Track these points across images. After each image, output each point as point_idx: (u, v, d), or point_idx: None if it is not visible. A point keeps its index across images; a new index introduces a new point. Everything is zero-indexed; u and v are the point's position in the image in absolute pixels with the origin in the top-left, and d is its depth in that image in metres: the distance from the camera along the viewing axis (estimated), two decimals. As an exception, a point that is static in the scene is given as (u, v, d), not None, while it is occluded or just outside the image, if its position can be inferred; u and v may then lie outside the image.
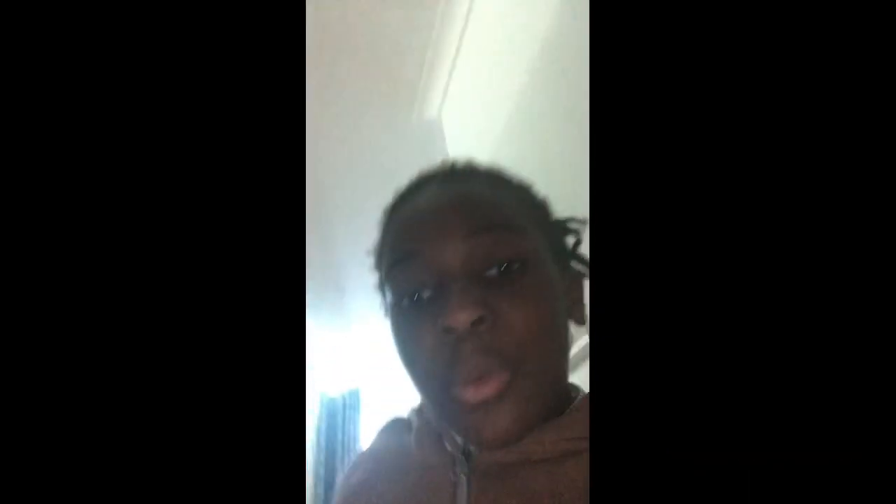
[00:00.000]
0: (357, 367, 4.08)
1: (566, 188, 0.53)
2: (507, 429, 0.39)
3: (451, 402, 0.40)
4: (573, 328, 0.46)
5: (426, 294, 0.42)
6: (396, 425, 0.53)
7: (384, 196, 0.50)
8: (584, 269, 0.50)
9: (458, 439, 0.45)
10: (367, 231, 0.52)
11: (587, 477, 0.38)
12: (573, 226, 0.51)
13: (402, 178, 0.49)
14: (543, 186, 0.51)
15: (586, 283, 0.49)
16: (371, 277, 0.49)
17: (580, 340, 0.59)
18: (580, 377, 0.49)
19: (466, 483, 0.43)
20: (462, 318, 0.38)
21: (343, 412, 3.95)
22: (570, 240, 0.51)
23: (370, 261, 0.49)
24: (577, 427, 0.41)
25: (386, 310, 0.47)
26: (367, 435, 3.87)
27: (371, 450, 0.52)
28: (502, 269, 0.40)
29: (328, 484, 3.47)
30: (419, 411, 0.49)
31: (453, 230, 0.41)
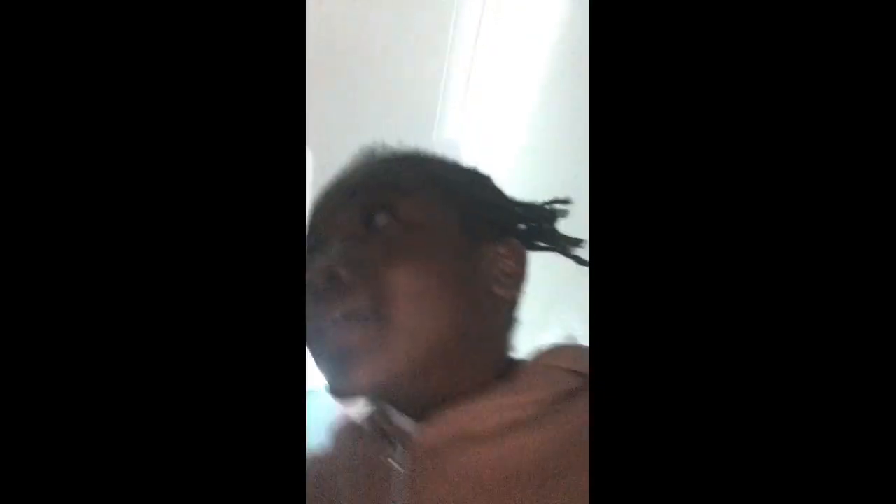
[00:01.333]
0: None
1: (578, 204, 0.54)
2: (370, 383, 0.39)
3: (325, 349, 0.40)
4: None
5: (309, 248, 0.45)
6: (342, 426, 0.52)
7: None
8: (567, 254, 0.51)
9: (394, 421, 0.44)
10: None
11: (539, 445, 0.38)
12: (557, 207, 0.52)
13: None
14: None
15: (580, 272, 0.49)
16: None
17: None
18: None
19: (403, 471, 0.41)
20: (317, 273, 0.40)
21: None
22: (521, 216, 0.51)
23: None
24: (520, 395, 0.40)
25: None
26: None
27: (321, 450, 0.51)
28: (373, 223, 0.42)
29: None
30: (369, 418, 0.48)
31: (342, 196, 0.45)
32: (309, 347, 0.41)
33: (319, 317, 0.40)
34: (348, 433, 0.49)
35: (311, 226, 0.46)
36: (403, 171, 0.46)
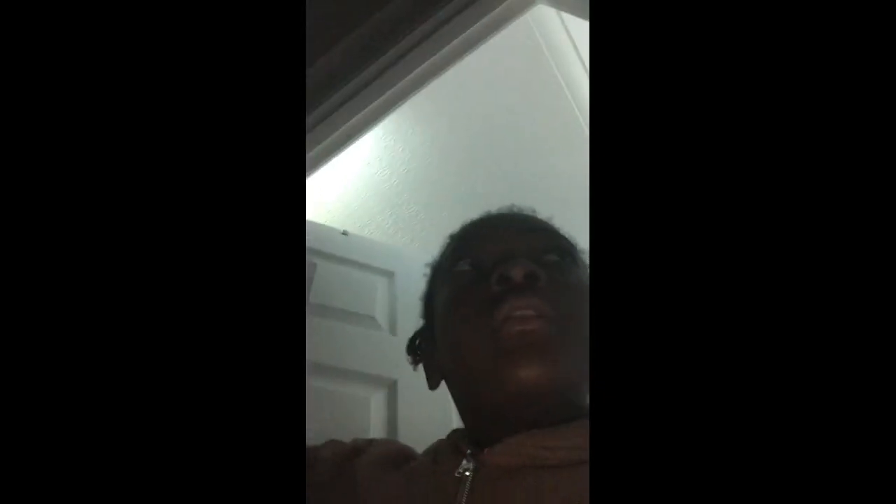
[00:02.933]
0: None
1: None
2: (538, 377, 0.42)
3: (492, 341, 0.43)
4: None
5: (488, 264, 0.47)
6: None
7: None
8: None
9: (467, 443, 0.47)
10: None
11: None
12: None
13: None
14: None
15: None
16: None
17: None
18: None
19: (471, 479, 0.44)
20: (518, 270, 0.43)
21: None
22: None
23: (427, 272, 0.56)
24: (587, 437, 0.41)
25: (426, 313, 0.53)
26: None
27: (381, 440, 0.56)
28: (558, 255, 0.48)
29: None
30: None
31: (515, 228, 0.50)
32: (477, 337, 0.45)
33: (505, 307, 0.43)
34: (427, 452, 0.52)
35: (474, 237, 0.52)
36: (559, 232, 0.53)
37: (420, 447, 0.55)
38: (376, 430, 1.35)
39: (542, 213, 0.57)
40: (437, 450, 0.51)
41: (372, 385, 1.09)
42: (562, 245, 0.50)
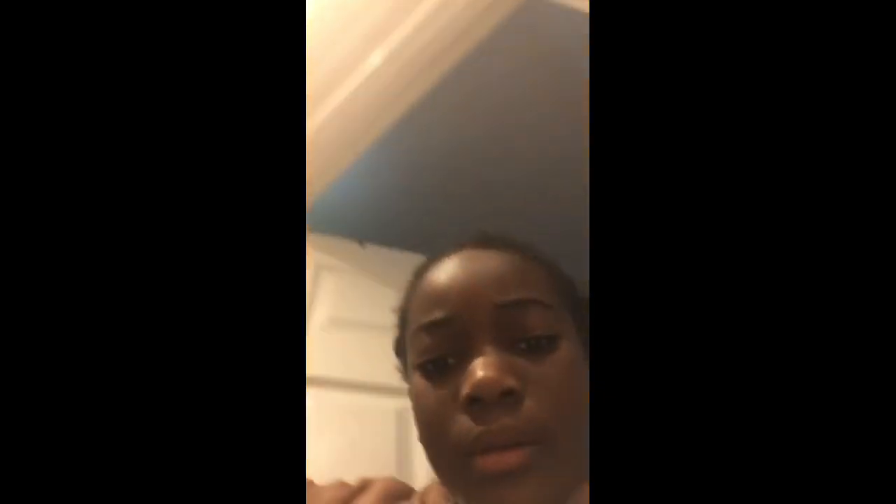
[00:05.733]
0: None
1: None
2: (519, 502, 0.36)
3: (470, 472, 0.38)
4: None
5: (452, 361, 0.41)
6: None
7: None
8: None
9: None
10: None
11: None
12: None
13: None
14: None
15: None
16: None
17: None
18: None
19: None
20: (491, 389, 0.37)
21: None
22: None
23: (393, 318, 0.49)
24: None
25: (406, 372, 0.46)
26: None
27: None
28: (532, 343, 0.40)
29: None
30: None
31: (485, 299, 0.41)
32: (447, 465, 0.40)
33: (479, 437, 0.37)
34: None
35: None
36: (536, 276, 0.44)
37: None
38: (403, 443, 1.35)
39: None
40: (426, 493, 0.49)
41: (398, 396, 1.10)
42: (536, 325, 0.41)
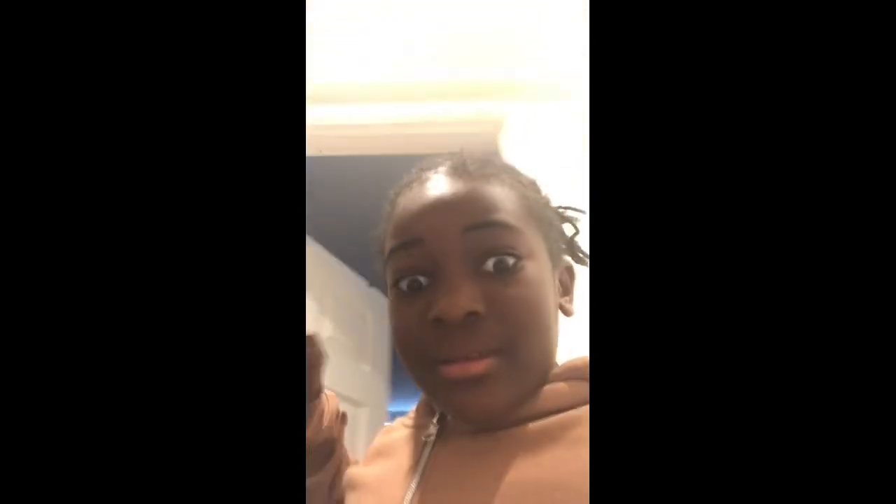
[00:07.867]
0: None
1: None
2: (490, 407, 0.41)
3: (437, 379, 0.42)
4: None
5: (423, 280, 0.44)
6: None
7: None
8: (580, 260, 0.54)
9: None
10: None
11: (573, 455, 0.38)
12: (572, 215, 0.55)
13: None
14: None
15: (580, 273, 0.52)
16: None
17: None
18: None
19: (433, 444, 0.47)
20: (454, 312, 0.40)
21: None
22: (568, 229, 0.54)
23: (374, 246, 0.51)
24: (550, 401, 0.42)
25: (386, 291, 0.49)
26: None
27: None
28: (497, 264, 0.42)
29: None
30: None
31: (452, 223, 0.43)
32: (429, 378, 0.43)
33: (445, 350, 0.41)
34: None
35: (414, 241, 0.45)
36: (507, 199, 0.45)
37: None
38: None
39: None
40: (416, 408, 0.53)
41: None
42: (501, 246, 0.43)
